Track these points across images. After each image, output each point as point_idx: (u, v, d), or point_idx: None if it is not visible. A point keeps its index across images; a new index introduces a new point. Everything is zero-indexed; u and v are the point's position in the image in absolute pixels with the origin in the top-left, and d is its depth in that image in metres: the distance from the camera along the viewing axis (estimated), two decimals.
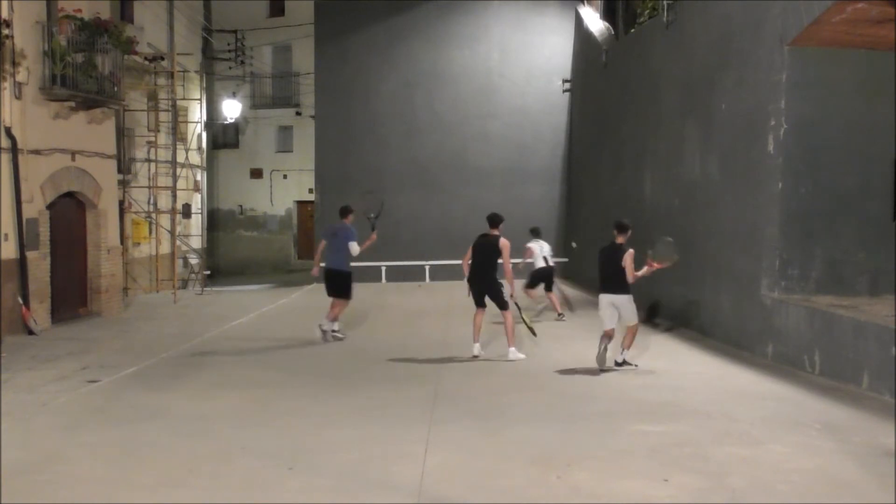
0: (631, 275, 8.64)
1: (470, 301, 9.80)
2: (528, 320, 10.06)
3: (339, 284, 11.04)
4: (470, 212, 20.98)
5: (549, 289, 13.34)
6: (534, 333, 9.97)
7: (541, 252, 13.18)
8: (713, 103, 11.11)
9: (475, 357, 9.56)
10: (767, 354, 9.37)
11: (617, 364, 8.82)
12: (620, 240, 8.85)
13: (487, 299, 9.68)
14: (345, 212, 11.32)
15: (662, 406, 7.19)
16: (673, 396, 7.56)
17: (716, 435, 6.25)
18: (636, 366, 8.89)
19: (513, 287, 9.76)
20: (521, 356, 9.49)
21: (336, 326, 11.14)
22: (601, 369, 8.70)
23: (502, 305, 9.59)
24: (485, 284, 9.66)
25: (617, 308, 8.72)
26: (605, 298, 8.81)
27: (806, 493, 4.96)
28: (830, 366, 8.22)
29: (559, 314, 13.08)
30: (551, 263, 13.29)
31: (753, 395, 7.69)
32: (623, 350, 8.87)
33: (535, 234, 13.53)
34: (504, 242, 9.56)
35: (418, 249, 20.72)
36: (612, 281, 8.74)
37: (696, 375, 8.62)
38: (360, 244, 10.94)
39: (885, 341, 7.37)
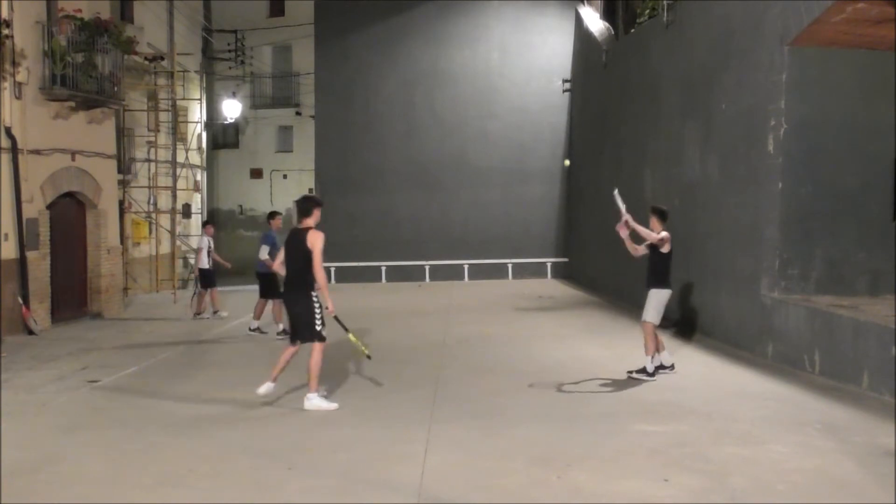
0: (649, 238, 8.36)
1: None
2: (356, 339, 7.72)
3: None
4: (470, 212, 21.06)
5: (208, 286, 13.81)
6: (368, 356, 7.92)
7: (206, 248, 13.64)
8: (713, 103, 11.11)
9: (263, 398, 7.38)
10: (767, 354, 9.37)
11: (660, 367, 8.46)
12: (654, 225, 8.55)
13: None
14: (269, 215, 12.00)
15: (662, 406, 7.19)
16: (673, 396, 7.56)
17: (716, 435, 6.25)
18: (655, 378, 8.34)
19: (328, 298, 7.12)
20: (329, 405, 7.17)
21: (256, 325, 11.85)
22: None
23: (313, 337, 7.16)
24: (296, 305, 7.19)
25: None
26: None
27: (806, 493, 4.96)
28: (830, 366, 8.22)
29: (215, 311, 13.80)
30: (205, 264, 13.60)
31: (753, 395, 7.69)
32: (653, 356, 8.40)
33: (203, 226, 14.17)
34: (314, 237, 7.01)
35: (418, 249, 20.74)
36: (647, 274, 8.51)
37: (696, 375, 8.62)
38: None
39: (885, 341, 7.37)
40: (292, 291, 7.20)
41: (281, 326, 11.33)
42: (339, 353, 9.34)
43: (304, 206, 7.18)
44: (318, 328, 7.13)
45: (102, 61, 13.52)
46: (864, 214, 9.34)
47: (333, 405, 7.19)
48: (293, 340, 7.35)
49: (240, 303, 16.72)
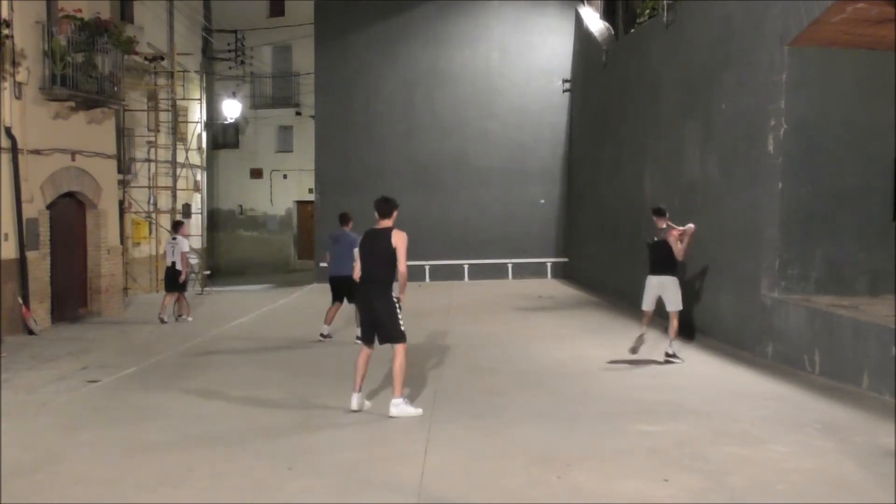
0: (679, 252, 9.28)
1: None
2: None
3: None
4: (470, 212, 21.06)
5: (174, 290, 13.60)
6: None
7: (172, 251, 13.45)
8: (713, 103, 11.11)
9: (353, 412, 7.04)
10: (767, 354, 9.37)
11: (667, 355, 9.25)
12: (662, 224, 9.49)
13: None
14: (345, 219, 11.52)
15: (662, 406, 7.19)
16: (673, 396, 7.56)
17: (716, 435, 6.25)
18: (682, 360, 9.27)
19: (404, 292, 7.14)
20: (416, 411, 6.94)
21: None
22: (633, 352, 9.25)
23: (397, 337, 6.95)
24: (377, 305, 6.95)
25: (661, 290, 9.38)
26: (653, 280, 9.45)
27: (806, 493, 4.96)
28: (830, 366, 8.22)
29: (180, 315, 13.63)
30: (179, 266, 13.40)
31: (753, 395, 7.69)
32: (670, 341, 9.34)
33: (175, 228, 13.96)
34: (399, 237, 6.95)
35: (418, 249, 20.67)
36: (662, 264, 9.38)
37: (696, 375, 8.63)
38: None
39: (885, 341, 7.37)
40: (373, 292, 6.95)
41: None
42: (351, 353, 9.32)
43: (386, 207, 7.05)
44: (402, 328, 6.92)
45: (102, 61, 13.51)
46: (864, 214, 9.34)
47: (419, 410, 6.94)
48: (368, 342, 7.11)
49: (240, 304, 16.75)
